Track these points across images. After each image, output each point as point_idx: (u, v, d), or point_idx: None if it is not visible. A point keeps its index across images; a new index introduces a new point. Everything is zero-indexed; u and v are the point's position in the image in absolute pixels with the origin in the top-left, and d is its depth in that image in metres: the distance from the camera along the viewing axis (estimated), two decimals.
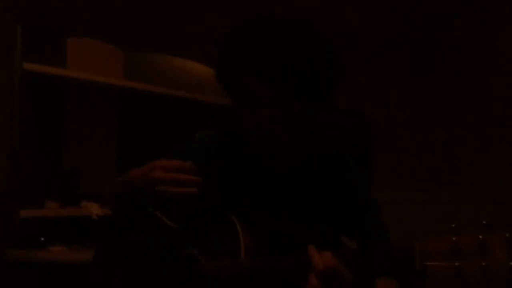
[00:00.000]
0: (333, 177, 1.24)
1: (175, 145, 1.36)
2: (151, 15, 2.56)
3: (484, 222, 0.78)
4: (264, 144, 1.16)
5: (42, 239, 2.10)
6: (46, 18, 2.30)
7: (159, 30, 2.63)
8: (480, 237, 0.79)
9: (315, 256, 0.95)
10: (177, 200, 1.14)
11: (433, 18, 2.96)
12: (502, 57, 2.74)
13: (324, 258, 0.94)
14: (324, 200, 1.21)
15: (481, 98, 2.79)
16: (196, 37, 2.64)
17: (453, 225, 0.82)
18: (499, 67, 2.75)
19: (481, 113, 2.79)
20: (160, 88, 2.48)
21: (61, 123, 2.48)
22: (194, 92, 2.58)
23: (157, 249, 1.22)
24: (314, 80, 1.12)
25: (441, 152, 2.91)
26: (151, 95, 2.49)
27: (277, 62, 1.09)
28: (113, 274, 1.22)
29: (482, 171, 2.73)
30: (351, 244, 0.98)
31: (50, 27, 2.29)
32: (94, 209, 2.19)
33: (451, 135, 2.88)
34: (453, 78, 2.91)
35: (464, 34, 2.88)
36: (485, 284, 0.78)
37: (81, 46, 2.25)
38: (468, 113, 2.83)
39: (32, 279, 2.06)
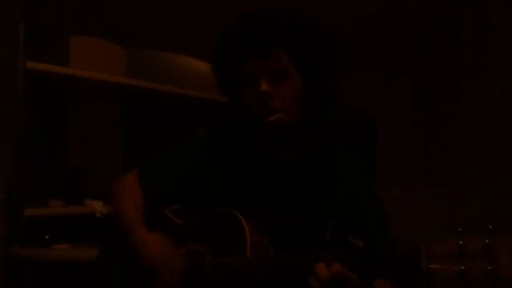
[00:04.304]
0: (338, 173, 1.24)
1: (178, 143, 1.36)
2: (153, 12, 2.56)
3: (490, 226, 0.79)
4: (269, 129, 1.18)
5: (47, 237, 2.10)
6: (49, 17, 2.29)
7: (162, 28, 2.62)
8: (487, 241, 0.80)
9: (320, 267, 0.95)
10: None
11: (435, 16, 2.95)
12: (504, 56, 2.73)
13: (332, 269, 0.94)
14: (329, 197, 1.22)
15: (484, 96, 2.79)
16: (199, 34, 2.63)
17: (460, 229, 0.82)
18: (502, 66, 2.74)
19: (484, 112, 2.78)
20: (163, 86, 2.48)
21: (65, 121, 2.48)
22: (198, 89, 2.58)
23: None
24: (309, 56, 1.16)
25: (445, 150, 2.91)
26: (154, 92, 2.49)
27: (272, 41, 1.14)
28: (116, 271, 1.22)
29: (486, 169, 2.72)
30: (358, 243, 0.99)
31: (53, 25, 2.29)
32: (97, 207, 2.20)
33: (454, 134, 2.88)
34: (456, 76, 2.90)
35: (466, 32, 2.88)
36: None
37: (84, 44, 2.24)
38: (471, 111, 2.83)
39: (37, 277, 2.08)
